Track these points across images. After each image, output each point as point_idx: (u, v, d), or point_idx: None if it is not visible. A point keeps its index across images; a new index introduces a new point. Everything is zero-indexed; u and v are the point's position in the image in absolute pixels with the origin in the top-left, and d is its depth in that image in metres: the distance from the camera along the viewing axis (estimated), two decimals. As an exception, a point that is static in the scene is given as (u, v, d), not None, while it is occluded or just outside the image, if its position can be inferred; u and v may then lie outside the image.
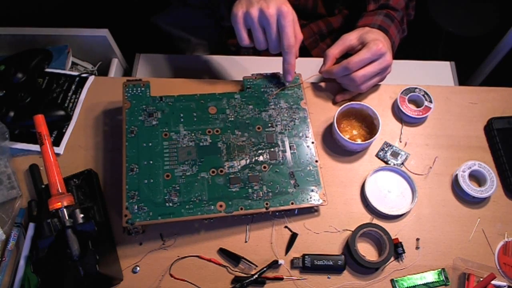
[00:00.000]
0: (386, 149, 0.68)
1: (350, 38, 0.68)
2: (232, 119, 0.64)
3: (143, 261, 0.60)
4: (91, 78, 0.75)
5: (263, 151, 0.62)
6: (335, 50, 0.69)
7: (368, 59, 0.65)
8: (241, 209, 0.58)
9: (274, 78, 0.69)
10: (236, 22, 0.61)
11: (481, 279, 0.57)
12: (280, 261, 0.59)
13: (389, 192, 0.64)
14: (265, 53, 0.80)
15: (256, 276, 0.58)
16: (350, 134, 0.68)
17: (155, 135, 0.62)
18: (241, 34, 0.62)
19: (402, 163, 0.67)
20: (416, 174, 0.66)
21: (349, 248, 0.59)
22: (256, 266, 0.59)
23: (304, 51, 0.87)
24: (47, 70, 0.76)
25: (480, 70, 1.19)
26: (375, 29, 0.70)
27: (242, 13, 0.60)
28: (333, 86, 0.73)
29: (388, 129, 0.70)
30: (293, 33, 0.61)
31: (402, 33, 0.78)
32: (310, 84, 0.73)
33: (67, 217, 0.54)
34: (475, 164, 0.64)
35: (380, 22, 0.71)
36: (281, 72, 0.68)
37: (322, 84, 0.74)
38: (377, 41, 0.65)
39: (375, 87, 0.73)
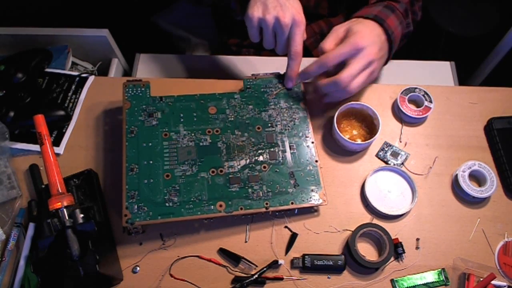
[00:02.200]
0: (386, 149, 0.68)
1: (340, 30, 0.64)
2: (232, 119, 0.64)
3: (143, 261, 0.60)
4: (91, 78, 0.75)
5: (263, 151, 0.62)
6: (328, 44, 0.64)
7: (345, 54, 0.60)
8: (241, 209, 0.58)
9: (274, 78, 0.69)
10: (251, 25, 0.62)
11: (481, 279, 0.57)
12: (280, 261, 0.59)
13: (389, 192, 0.64)
14: (266, 53, 0.80)
15: (256, 276, 0.58)
16: (350, 134, 0.68)
17: (155, 135, 0.62)
18: (254, 33, 0.63)
19: (402, 163, 0.67)
20: (416, 174, 0.66)
21: (349, 248, 0.59)
22: (256, 266, 0.59)
23: (305, 51, 0.87)
24: (47, 70, 0.76)
25: (480, 70, 1.18)
26: (369, 19, 0.64)
27: (258, 18, 0.61)
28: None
29: (388, 129, 0.70)
30: (302, 42, 0.62)
31: (406, 28, 0.71)
32: (310, 84, 0.73)
33: (67, 217, 0.54)
34: (475, 164, 0.64)
35: (377, 12, 0.65)
36: (281, 72, 0.69)
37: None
38: (357, 34, 0.60)
39: (375, 87, 0.73)
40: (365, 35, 0.61)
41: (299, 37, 0.62)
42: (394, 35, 0.66)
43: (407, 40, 0.75)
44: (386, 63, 0.68)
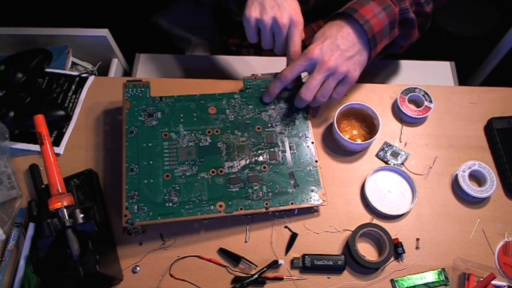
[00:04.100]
0: (386, 149, 0.68)
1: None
2: (232, 119, 0.64)
3: (143, 261, 0.60)
4: (91, 78, 0.75)
5: (263, 151, 0.62)
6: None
7: (300, 66, 0.61)
8: (241, 209, 0.58)
9: (274, 78, 0.69)
10: (248, 26, 0.62)
11: (481, 279, 0.57)
12: (280, 261, 0.59)
13: (389, 192, 0.64)
14: (266, 53, 0.80)
15: (256, 276, 0.58)
16: (350, 134, 0.68)
17: (155, 135, 0.62)
18: (251, 34, 0.64)
19: (402, 163, 0.67)
20: (416, 174, 0.66)
21: (349, 248, 0.59)
22: (256, 266, 0.59)
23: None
24: (47, 70, 0.76)
25: (480, 70, 1.18)
26: (336, 19, 0.62)
27: (255, 19, 0.61)
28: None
29: (388, 129, 0.70)
30: (300, 42, 0.63)
31: (400, 12, 0.64)
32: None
33: (67, 217, 0.54)
34: (475, 164, 0.64)
35: (350, 4, 0.63)
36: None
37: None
38: (312, 44, 0.61)
39: (375, 87, 0.73)
40: (319, 44, 0.60)
41: (297, 37, 0.62)
42: (369, 24, 0.61)
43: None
44: (370, 57, 0.64)
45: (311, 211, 0.63)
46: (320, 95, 0.62)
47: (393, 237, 0.60)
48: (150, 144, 0.61)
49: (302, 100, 0.63)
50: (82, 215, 0.55)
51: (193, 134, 0.62)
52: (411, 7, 0.65)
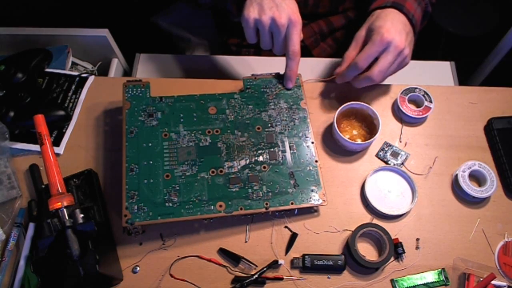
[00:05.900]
0: (386, 149, 0.68)
1: (361, 35, 0.65)
2: (232, 119, 0.64)
3: (143, 261, 0.60)
4: (91, 78, 0.75)
5: (263, 151, 0.62)
6: (351, 52, 0.66)
7: (376, 52, 0.62)
8: (241, 209, 0.58)
9: (274, 78, 0.69)
10: (247, 26, 0.63)
11: (481, 279, 0.57)
12: (280, 261, 0.59)
13: (389, 192, 0.64)
14: (266, 53, 0.80)
15: (256, 276, 0.58)
16: (350, 134, 0.68)
17: (155, 135, 0.62)
18: (250, 34, 0.64)
19: (402, 163, 0.67)
20: (416, 174, 0.66)
21: (349, 248, 0.59)
22: (256, 266, 0.59)
23: (305, 51, 0.87)
24: (47, 70, 0.76)
25: (480, 70, 1.19)
26: (387, 8, 0.65)
27: (254, 19, 0.62)
28: (333, 86, 0.73)
29: (388, 129, 0.70)
30: (299, 41, 0.63)
31: (425, 7, 0.71)
32: (310, 84, 0.73)
33: (67, 217, 0.54)
34: (475, 164, 0.64)
35: None
36: (281, 72, 0.69)
37: (322, 84, 0.74)
38: (381, 29, 0.61)
39: (375, 87, 0.73)
40: (389, 28, 0.61)
41: (296, 37, 0.62)
42: (415, 19, 0.66)
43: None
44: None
45: (311, 211, 0.63)
46: (384, 77, 0.64)
47: (393, 237, 0.60)
48: (150, 144, 0.61)
49: (369, 81, 0.64)
50: (82, 215, 0.55)
51: (193, 134, 0.62)
52: None
